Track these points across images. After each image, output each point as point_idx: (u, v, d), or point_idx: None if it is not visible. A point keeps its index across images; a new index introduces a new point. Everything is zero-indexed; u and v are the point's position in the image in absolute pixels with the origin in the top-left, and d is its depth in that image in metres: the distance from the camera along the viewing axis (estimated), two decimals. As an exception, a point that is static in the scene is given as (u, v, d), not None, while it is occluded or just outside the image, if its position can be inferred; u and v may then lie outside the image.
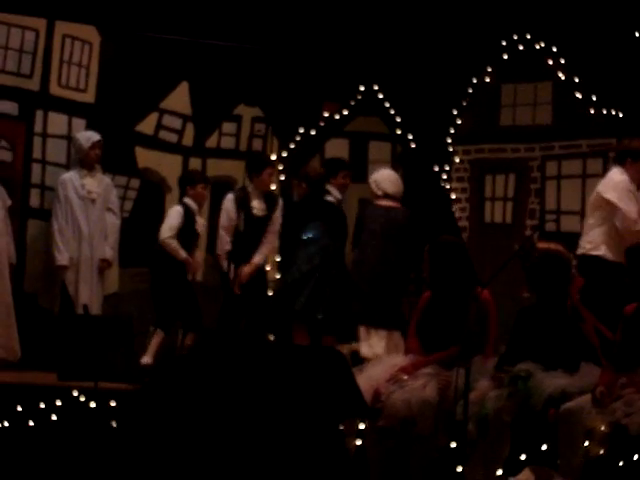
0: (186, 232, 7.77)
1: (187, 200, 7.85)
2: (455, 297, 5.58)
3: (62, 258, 7.64)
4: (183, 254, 7.69)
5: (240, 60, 8.52)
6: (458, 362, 5.06)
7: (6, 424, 5.96)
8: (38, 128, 7.99)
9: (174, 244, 7.67)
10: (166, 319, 7.66)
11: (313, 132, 8.73)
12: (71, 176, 7.78)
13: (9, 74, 7.86)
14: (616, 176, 7.01)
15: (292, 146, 8.67)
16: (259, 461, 4.83)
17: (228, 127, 8.64)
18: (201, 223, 7.96)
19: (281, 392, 4.92)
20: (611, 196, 6.90)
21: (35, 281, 7.90)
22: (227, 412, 4.89)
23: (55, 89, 8.06)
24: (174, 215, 7.79)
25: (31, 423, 6.00)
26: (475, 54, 8.40)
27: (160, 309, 7.70)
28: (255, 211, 7.85)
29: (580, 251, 7.05)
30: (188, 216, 7.79)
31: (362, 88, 8.78)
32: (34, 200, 7.97)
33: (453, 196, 8.61)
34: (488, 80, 8.48)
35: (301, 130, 8.70)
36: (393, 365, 5.60)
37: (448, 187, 8.62)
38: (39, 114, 7.98)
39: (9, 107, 7.87)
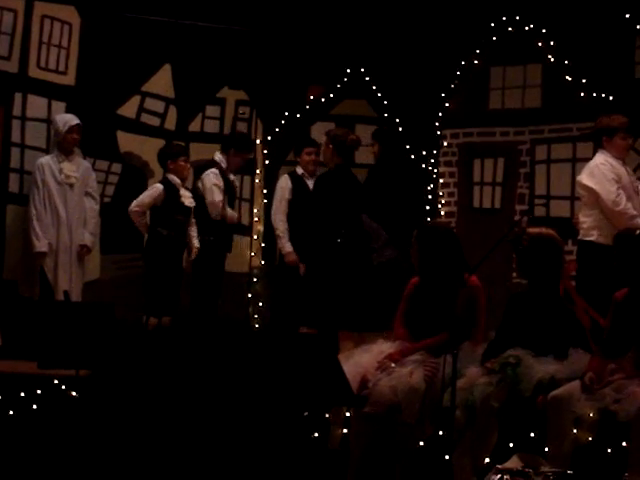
0: (172, 208, 7.66)
1: (169, 175, 7.76)
2: (444, 283, 5.47)
3: (40, 244, 7.49)
4: (144, 230, 7.72)
5: (224, 42, 8.38)
6: (446, 349, 4.94)
7: (-14, 414, 5.85)
8: (17, 111, 7.81)
9: (137, 218, 7.68)
10: (159, 304, 7.56)
11: (298, 115, 8.60)
12: (48, 160, 7.62)
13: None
14: (593, 160, 6.97)
15: (277, 130, 8.53)
16: (239, 449, 4.74)
17: (212, 110, 8.51)
18: (188, 196, 7.84)
19: (265, 379, 4.81)
20: (588, 182, 6.88)
21: (14, 268, 7.76)
22: (204, 397, 4.79)
23: (34, 71, 7.89)
24: (149, 191, 7.75)
25: (11, 412, 5.87)
26: (464, 36, 8.26)
27: (154, 295, 7.59)
28: None
29: (578, 237, 7.01)
30: (171, 191, 7.68)
31: (348, 71, 8.64)
32: (13, 185, 7.79)
33: (441, 180, 8.49)
34: (477, 63, 8.35)
35: (286, 113, 8.57)
36: (381, 352, 5.51)
37: (436, 171, 8.50)
38: (18, 97, 7.80)
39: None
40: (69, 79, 8.03)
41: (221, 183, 7.80)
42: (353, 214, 7.38)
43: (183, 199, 7.76)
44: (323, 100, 8.67)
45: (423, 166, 8.52)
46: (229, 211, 7.90)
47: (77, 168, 7.68)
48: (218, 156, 7.99)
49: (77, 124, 7.57)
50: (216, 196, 7.75)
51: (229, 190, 7.87)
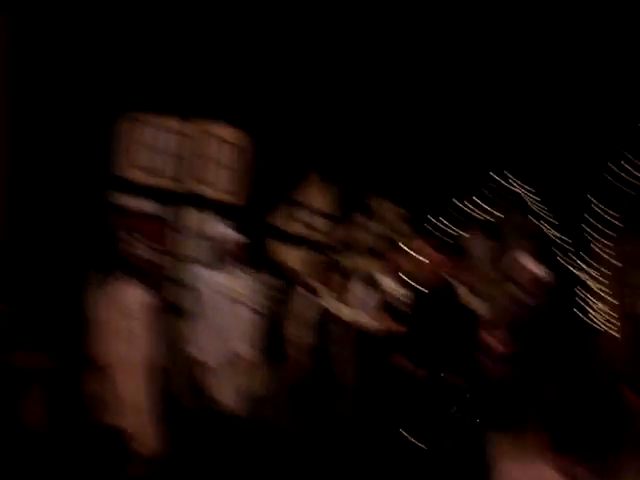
0: None
1: None
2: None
3: (199, 355, 7.56)
4: None
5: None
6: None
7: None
8: (179, 224, 8.07)
9: None
10: None
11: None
12: (206, 270, 7.75)
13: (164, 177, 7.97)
14: None
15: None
16: None
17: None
18: None
19: None
20: None
21: (178, 380, 7.85)
22: None
23: (205, 191, 8.16)
24: None
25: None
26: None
27: None
28: None
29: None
30: None
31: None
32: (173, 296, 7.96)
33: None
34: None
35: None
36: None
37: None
38: (182, 211, 8.07)
39: (153, 206, 7.95)
40: (235, 198, 8.31)
41: None
42: None
43: None
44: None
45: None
46: None
47: (234, 279, 7.80)
48: None
49: (239, 238, 7.75)
50: None
51: None
